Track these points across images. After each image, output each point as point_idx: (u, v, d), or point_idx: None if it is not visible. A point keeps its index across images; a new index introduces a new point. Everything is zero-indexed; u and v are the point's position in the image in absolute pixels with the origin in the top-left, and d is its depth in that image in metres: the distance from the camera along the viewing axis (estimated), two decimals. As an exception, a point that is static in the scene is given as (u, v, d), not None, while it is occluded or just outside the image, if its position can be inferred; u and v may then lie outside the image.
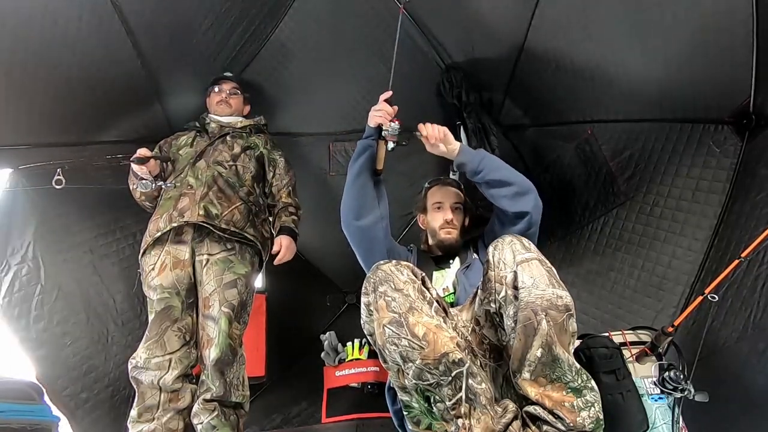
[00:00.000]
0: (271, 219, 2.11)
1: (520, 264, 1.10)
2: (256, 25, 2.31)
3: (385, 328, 1.05)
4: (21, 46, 1.69)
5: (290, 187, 2.14)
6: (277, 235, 1.99)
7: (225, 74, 2.32)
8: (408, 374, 1.04)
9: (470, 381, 1.01)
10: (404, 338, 1.03)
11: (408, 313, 1.05)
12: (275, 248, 1.95)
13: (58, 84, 1.86)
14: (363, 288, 1.13)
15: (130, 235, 2.25)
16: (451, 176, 2.19)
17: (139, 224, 2.21)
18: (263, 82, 2.54)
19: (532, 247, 1.18)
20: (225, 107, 2.22)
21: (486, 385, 1.04)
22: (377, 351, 1.11)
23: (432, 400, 1.05)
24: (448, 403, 1.02)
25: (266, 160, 2.14)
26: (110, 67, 1.96)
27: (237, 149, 2.06)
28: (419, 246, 1.77)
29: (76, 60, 1.83)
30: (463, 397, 1.01)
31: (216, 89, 2.24)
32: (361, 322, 1.13)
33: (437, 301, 1.16)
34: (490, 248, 1.20)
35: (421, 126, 1.56)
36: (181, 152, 2.05)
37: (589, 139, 2.19)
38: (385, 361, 1.09)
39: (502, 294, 1.12)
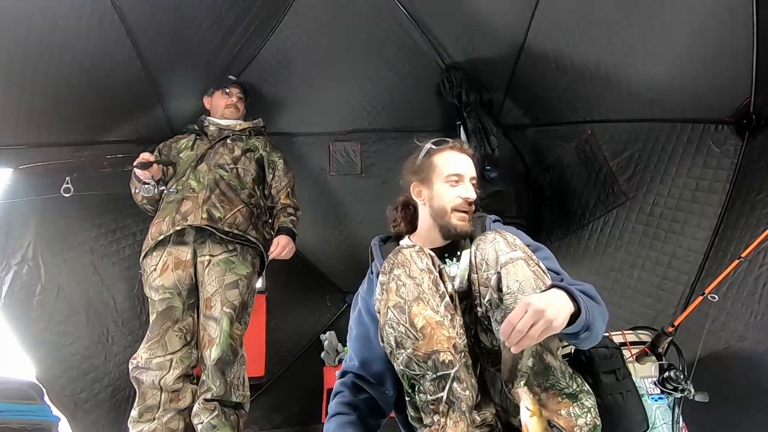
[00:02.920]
0: (270, 221, 2.12)
1: (504, 266, 1.05)
2: (256, 25, 2.31)
3: (389, 310, 1.05)
4: (21, 47, 1.69)
5: (289, 189, 2.14)
6: (276, 235, 1.99)
7: (231, 77, 2.33)
8: (398, 359, 1.05)
9: (455, 384, 1.00)
10: (402, 325, 1.03)
11: (414, 302, 1.04)
12: (273, 247, 1.95)
13: (58, 84, 1.87)
14: (382, 267, 1.13)
15: (131, 235, 2.25)
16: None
17: (140, 224, 2.21)
18: (263, 83, 2.54)
19: (518, 242, 1.11)
20: (234, 111, 2.23)
21: (470, 393, 1.03)
22: (378, 329, 1.11)
23: (416, 389, 1.04)
24: (429, 397, 1.02)
25: (266, 162, 2.14)
26: (110, 68, 1.96)
27: (237, 152, 2.06)
28: (392, 235, 1.39)
29: (76, 60, 1.83)
30: (444, 397, 1.00)
31: (225, 92, 2.25)
32: (374, 298, 1.14)
33: (450, 297, 1.11)
34: (472, 247, 1.14)
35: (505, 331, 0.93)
36: (181, 155, 2.05)
37: (589, 139, 2.19)
38: (381, 340, 1.10)
39: (488, 297, 1.08)
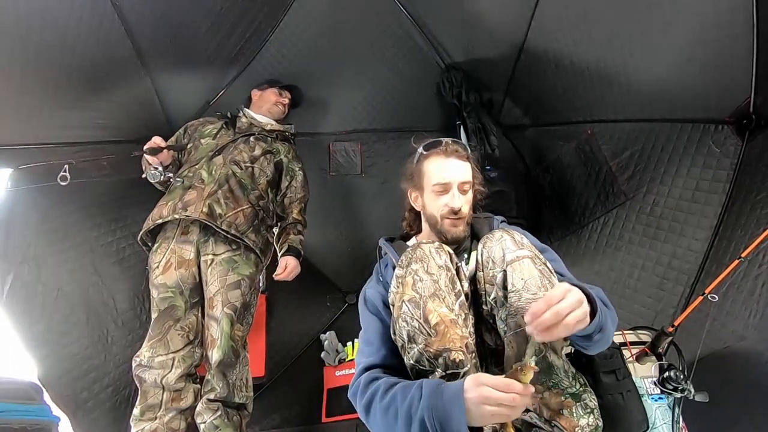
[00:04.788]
0: (275, 229, 2.11)
1: (510, 264, 1.05)
2: (256, 25, 2.31)
3: (404, 303, 1.05)
4: (21, 46, 1.69)
5: (303, 204, 2.14)
6: (283, 254, 1.99)
7: (290, 84, 2.41)
8: (409, 353, 1.04)
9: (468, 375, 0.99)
10: (416, 320, 1.02)
11: (429, 298, 1.03)
12: (280, 269, 1.95)
13: (57, 84, 1.86)
14: (400, 260, 1.12)
15: (131, 234, 2.25)
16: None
17: (140, 225, 2.20)
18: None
19: (525, 241, 1.11)
20: (280, 110, 2.29)
21: None
22: (391, 322, 1.10)
23: None
24: None
25: (284, 169, 2.14)
26: (110, 67, 1.95)
27: (258, 151, 2.06)
28: (401, 233, 1.42)
29: (75, 60, 1.83)
30: None
31: (279, 91, 2.31)
32: (389, 291, 1.13)
33: (466, 296, 1.11)
34: (480, 246, 1.14)
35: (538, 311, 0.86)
36: (202, 141, 2.05)
37: (589, 139, 2.19)
38: (394, 333, 1.09)
39: (493, 295, 1.08)
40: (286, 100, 2.32)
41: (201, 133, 2.08)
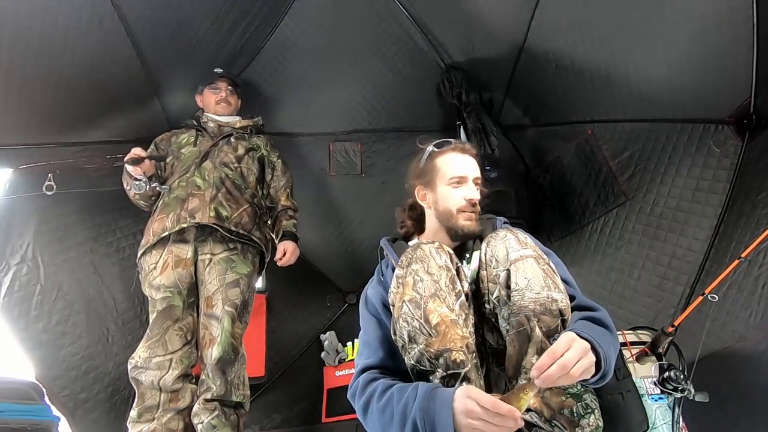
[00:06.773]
0: (270, 221, 2.12)
1: (514, 263, 1.06)
2: (256, 25, 2.32)
3: (404, 303, 1.05)
4: (21, 46, 1.69)
5: (289, 189, 2.14)
6: (280, 240, 2.00)
7: (217, 71, 2.24)
8: (409, 353, 1.04)
9: (464, 384, 0.98)
10: (417, 320, 1.02)
11: (430, 298, 1.03)
12: (279, 253, 1.96)
13: (57, 84, 1.86)
14: (400, 261, 1.12)
15: (130, 234, 2.25)
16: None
17: (139, 224, 2.21)
18: (263, 83, 2.55)
19: (529, 241, 1.12)
20: (225, 107, 2.20)
21: None
22: (391, 322, 1.10)
23: None
24: None
25: (266, 162, 2.15)
26: (110, 67, 1.95)
27: (241, 151, 2.06)
28: (399, 236, 1.39)
29: (75, 60, 1.83)
30: None
31: (213, 88, 2.20)
32: (389, 290, 1.13)
33: (466, 296, 1.11)
34: (483, 245, 1.15)
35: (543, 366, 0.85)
36: (183, 151, 2.03)
37: (589, 139, 2.19)
38: (394, 334, 1.09)
39: (496, 294, 1.08)
40: (224, 93, 2.19)
41: (178, 144, 2.05)
